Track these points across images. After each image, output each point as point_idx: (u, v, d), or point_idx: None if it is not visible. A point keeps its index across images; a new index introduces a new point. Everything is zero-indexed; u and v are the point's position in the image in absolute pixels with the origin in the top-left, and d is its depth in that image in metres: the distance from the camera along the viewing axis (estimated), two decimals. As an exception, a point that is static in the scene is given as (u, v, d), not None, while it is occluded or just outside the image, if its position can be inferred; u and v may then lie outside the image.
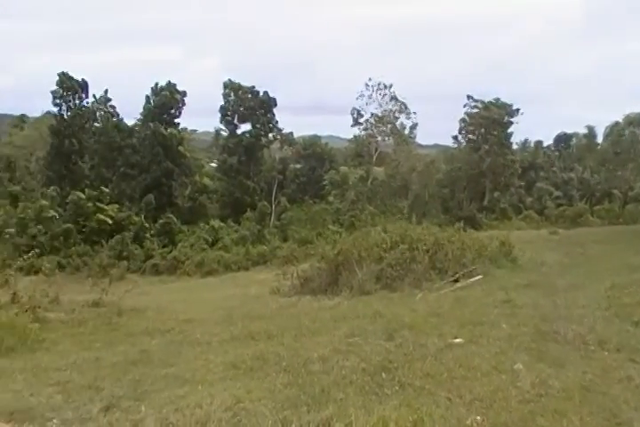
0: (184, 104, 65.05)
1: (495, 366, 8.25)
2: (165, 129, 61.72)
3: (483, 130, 69.47)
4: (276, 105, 68.87)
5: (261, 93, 68.11)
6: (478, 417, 6.41)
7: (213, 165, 79.23)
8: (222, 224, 57.94)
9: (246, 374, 8.85)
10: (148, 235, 53.49)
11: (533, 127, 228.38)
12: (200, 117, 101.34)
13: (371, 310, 13.25)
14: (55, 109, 63.32)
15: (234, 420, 6.70)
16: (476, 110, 70.55)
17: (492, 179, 69.56)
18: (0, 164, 73.45)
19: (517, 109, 69.99)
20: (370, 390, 7.54)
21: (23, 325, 13.03)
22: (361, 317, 12.68)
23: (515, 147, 78.04)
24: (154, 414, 7.08)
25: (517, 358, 8.59)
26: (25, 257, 20.66)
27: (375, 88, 67.14)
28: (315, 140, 75.17)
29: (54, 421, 7.31)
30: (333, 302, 16.43)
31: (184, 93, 64.95)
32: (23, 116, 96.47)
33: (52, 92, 62.29)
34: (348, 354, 9.28)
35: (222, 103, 67.75)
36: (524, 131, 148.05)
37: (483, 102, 70.06)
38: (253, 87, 68.20)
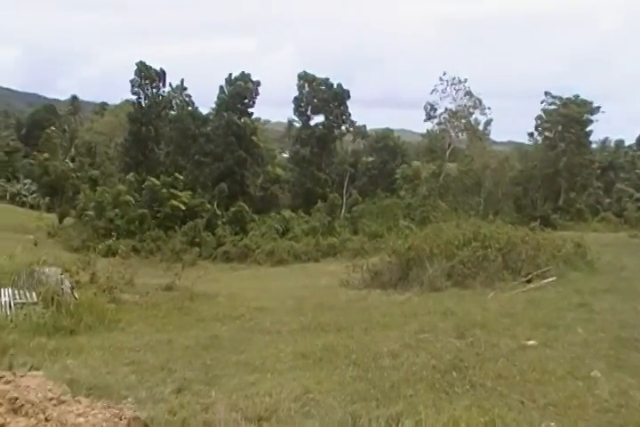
0: (257, 94, 65.62)
1: (570, 371, 7.99)
2: (239, 118, 62.45)
3: (560, 127, 67.35)
4: (349, 97, 68.70)
5: (335, 85, 67.99)
6: (552, 424, 6.21)
7: (285, 155, 79.78)
8: (293, 214, 58.32)
9: (315, 364, 8.89)
10: (220, 222, 54.34)
11: (615, 126, 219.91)
12: (273, 108, 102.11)
13: (441, 307, 13.09)
14: (133, 97, 65.11)
15: (303, 410, 6.72)
16: (553, 107, 68.45)
17: (568, 178, 67.42)
18: (82, 149, 76.17)
19: (598, 107, 67.57)
20: (440, 388, 7.44)
21: (101, 304, 13.51)
22: (431, 313, 12.55)
23: (593, 146, 75.36)
24: (224, 399, 7.18)
25: (594, 365, 8.28)
26: (108, 242, 21.42)
27: (450, 82, 65.88)
28: (387, 133, 74.57)
29: (129, 399, 7.52)
30: (403, 296, 16.32)
31: (258, 83, 65.52)
32: (104, 103, 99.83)
33: (131, 81, 63.97)
34: (418, 350, 9.19)
35: (296, 94, 68.15)
36: (604, 129, 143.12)
37: (561, 99, 67.89)
38: (327, 79, 68.20)
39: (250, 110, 66.18)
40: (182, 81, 68.60)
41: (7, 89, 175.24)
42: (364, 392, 7.31)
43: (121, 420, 7.01)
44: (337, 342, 10.05)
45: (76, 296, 13.28)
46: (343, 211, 62.86)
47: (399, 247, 20.54)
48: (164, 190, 53.75)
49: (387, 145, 71.23)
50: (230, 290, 20.65)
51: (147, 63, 64.53)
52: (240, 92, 64.09)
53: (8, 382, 6.43)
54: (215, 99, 66.02)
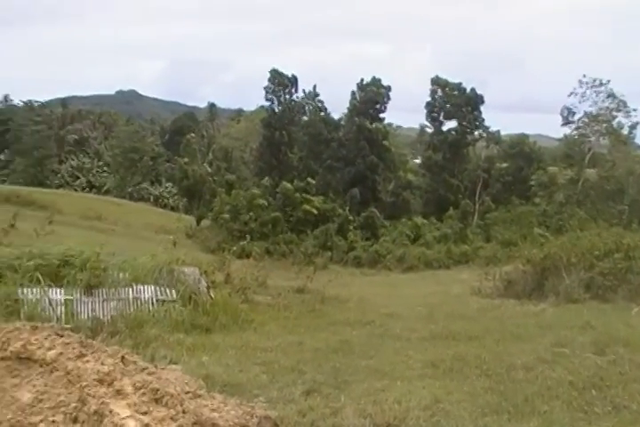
0: (389, 99, 65.71)
1: None
2: (370, 123, 62.84)
3: None
4: (483, 102, 67.16)
5: (468, 90, 66.80)
6: None
7: (417, 161, 79.20)
8: (425, 221, 57.69)
9: (445, 374, 8.70)
10: (351, 227, 54.76)
11: None
12: (405, 113, 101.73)
13: (580, 321, 12.39)
14: (267, 104, 67.25)
15: (432, 420, 6.59)
16: None
17: None
18: (219, 154, 79.49)
19: None
20: (578, 406, 7.03)
21: (235, 304, 13.98)
22: (568, 326, 11.90)
23: None
24: (352, 404, 7.18)
25: None
26: (242, 243, 22.04)
27: (590, 85, 62.65)
28: (522, 138, 72.02)
29: (260, 398, 7.69)
30: (538, 307, 15.63)
31: (389, 88, 65.58)
32: (240, 110, 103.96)
33: (265, 88, 66.13)
34: (553, 365, 8.75)
35: (428, 99, 67.58)
36: None
37: None
38: (460, 84, 67.04)
39: (381, 115, 66.36)
40: (314, 87, 70.00)
41: (154, 98, 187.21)
42: (495, 405, 7.06)
43: (252, 418, 7.20)
44: (468, 352, 9.78)
45: (212, 296, 13.82)
46: (475, 218, 61.39)
47: (534, 256, 19.74)
48: (297, 195, 54.87)
49: (522, 151, 68.77)
50: (360, 295, 20.68)
51: (279, 70, 66.41)
52: (372, 97, 64.41)
53: (151, 374, 6.74)
54: (347, 104, 66.76)
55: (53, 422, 5.68)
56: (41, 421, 5.62)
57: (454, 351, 9.87)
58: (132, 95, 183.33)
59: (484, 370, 8.57)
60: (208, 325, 12.27)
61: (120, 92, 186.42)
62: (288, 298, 17.34)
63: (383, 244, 51.18)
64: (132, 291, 12.81)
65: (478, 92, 67.50)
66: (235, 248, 32.39)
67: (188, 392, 7.19)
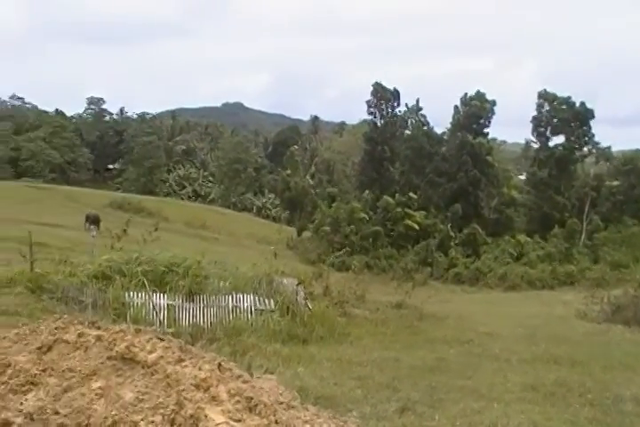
0: (493, 114, 64.32)
1: None
2: (474, 138, 61.70)
3: None
4: (593, 117, 64.38)
5: (578, 104, 64.33)
6: None
7: (522, 177, 76.99)
8: (528, 239, 55.91)
9: (546, 399, 8.33)
10: (452, 244, 53.90)
11: None
12: (510, 128, 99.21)
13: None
14: (370, 117, 67.36)
15: (531, 446, 6.32)
16: None
17: None
18: (321, 166, 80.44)
19: None
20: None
21: (333, 317, 14.00)
22: (684, 357, 11.16)
23: None
24: (447, 424, 6.99)
25: None
26: (337, 254, 22.05)
27: None
28: (636, 154, 68.58)
29: (353, 413, 7.63)
30: (650, 335, 14.76)
31: (493, 103, 64.17)
32: (342, 123, 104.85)
33: (368, 102, 66.29)
34: (668, 398, 8.19)
35: (535, 114, 65.61)
36: None
37: None
38: (569, 98, 64.67)
39: (485, 130, 65.03)
40: (417, 101, 69.49)
41: (259, 111, 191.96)
42: (600, 437, 6.69)
43: (345, 432, 7.18)
44: (571, 378, 9.34)
45: (310, 307, 13.90)
46: (583, 237, 58.79)
47: (647, 280, 18.70)
48: (399, 209, 54.56)
49: (635, 167, 65.34)
50: (459, 312, 20.25)
51: (382, 84, 66.39)
52: (475, 111, 63.28)
53: (245, 382, 6.84)
54: (450, 119, 65.89)
55: (152, 422, 5.86)
56: (141, 420, 5.81)
57: (556, 376, 9.46)
58: (238, 107, 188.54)
59: (588, 399, 8.14)
60: (305, 336, 12.34)
61: (226, 105, 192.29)
62: (386, 313, 17.19)
63: (485, 261, 50.00)
64: (232, 299, 13.10)
65: (588, 106, 64.82)
66: (334, 261, 32.49)
67: (281, 403, 7.23)
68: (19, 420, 5.80)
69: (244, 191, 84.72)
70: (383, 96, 66.00)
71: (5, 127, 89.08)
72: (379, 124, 66.55)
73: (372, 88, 66.62)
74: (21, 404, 6.16)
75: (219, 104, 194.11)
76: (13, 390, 6.41)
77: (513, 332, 15.47)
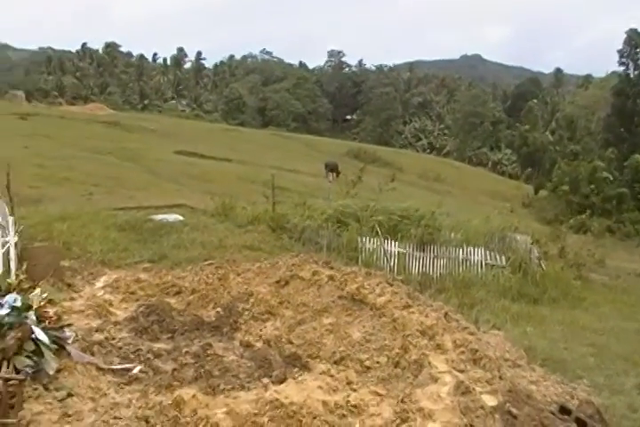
0: None
1: None
2: None
3: None
4: None
5: None
6: None
7: None
8: None
9: None
10: None
11: None
12: None
13: None
14: (621, 69, 61.04)
15: None
16: None
17: None
18: (562, 122, 75.33)
19: None
20: None
21: (567, 279, 13.26)
22: None
23: None
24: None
25: None
26: (579, 218, 20.83)
27: None
28: None
29: (584, 381, 7.20)
30: None
31: None
32: (588, 76, 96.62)
33: (619, 51, 59.91)
34: None
35: None
36: None
37: None
38: None
39: None
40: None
41: (497, 63, 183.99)
42: None
43: (573, 399, 6.80)
44: None
45: (544, 267, 13.31)
46: None
47: None
48: (650, 171, 49.61)
49: None
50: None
51: (639, 30, 59.68)
52: None
53: (471, 334, 6.77)
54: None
55: (377, 362, 6.05)
56: (367, 359, 6.03)
57: None
58: (476, 60, 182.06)
59: None
60: (536, 295, 11.88)
61: (464, 57, 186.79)
62: (628, 281, 15.88)
63: None
64: (463, 252, 12.98)
65: None
66: (572, 222, 30.60)
67: (507, 360, 7.05)
68: (258, 344, 6.33)
69: (480, 146, 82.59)
70: (639, 43, 59.48)
71: (255, 79, 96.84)
72: (631, 75, 60.29)
73: (625, 36, 60.22)
74: (261, 330, 6.71)
75: (456, 56, 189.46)
76: (255, 318, 7.00)
77: None
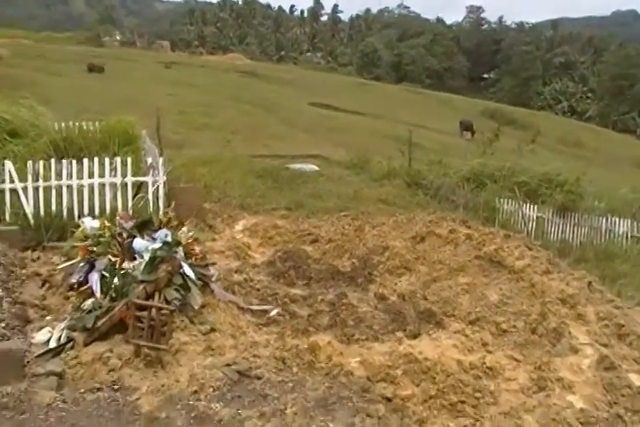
0: None
1: None
2: None
3: None
4: None
5: None
6: None
7: None
8: None
9: None
10: None
11: None
12: None
13: None
14: None
15: None
16: None
17: None
18: None
19: None
20: None
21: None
22: None
23: None
24: None
25: None
26: None
27: None
28: None
29: None
30: None
31: None
32: None
33: None
34: None
35: None
36: None
37: None
38: None
39: None
40: None
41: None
42: None
43: None
44: None
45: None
46: None
47: None
48: None
49: None
50: None
51: None
52: None
53: (617, 308, 6.41)
54: None
55: (514, 326, 5.84)
56: (504, 322, 5.84)
57: None
58: (631, 16, 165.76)
59: None
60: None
61: (616, 13, 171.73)
62: None
63: None
64: (606, 222, 12.36)
65: None
66: None
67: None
68: (393, 298, 6.30)
69: (627, 111, 77.10)
70: None
71: (391, 34, 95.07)
72: None
73: None
74: (395, 284, 6.68)
75: (607, 13, 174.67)
76: (390, 271, 6.97)
77: None
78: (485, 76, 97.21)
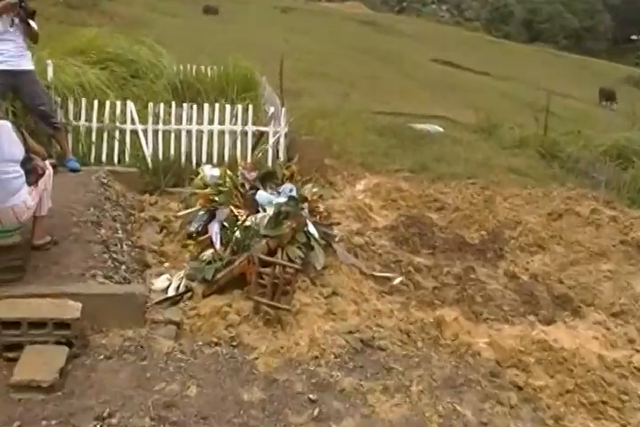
0: None
1: None
2: None
3: None
4: None
5: None
6: None
7: None
8: None
9: None
10: None
11: None
12: None
13: None
14: None
15: None
16: None
17: None
18: None
19: None
20: None
21: None
22: None
23: None
24: None
25: None
26: None
27: None
28: None
29: None
30: None
31: None
32: None
33: None
34: None
35: None
36: None
37: None
38: None
39: None
40: None
41: None
42: None
43: None
44: None
45: None
46: None
47: None
48: None
49: None
50: None
51: None
52: None
53: None
54: None
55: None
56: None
57: None
58: None
59: None
60: None
61: None
62: None
63: None
64: None
65: None
66: None
67: None
68: (524, 277, 5.88)
69: None
70: None
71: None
72: None
73: None
74: (527, 263, 6.23)
75: None
76: (522, 248, 6.50)
77: None
78: (634, 37, 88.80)
